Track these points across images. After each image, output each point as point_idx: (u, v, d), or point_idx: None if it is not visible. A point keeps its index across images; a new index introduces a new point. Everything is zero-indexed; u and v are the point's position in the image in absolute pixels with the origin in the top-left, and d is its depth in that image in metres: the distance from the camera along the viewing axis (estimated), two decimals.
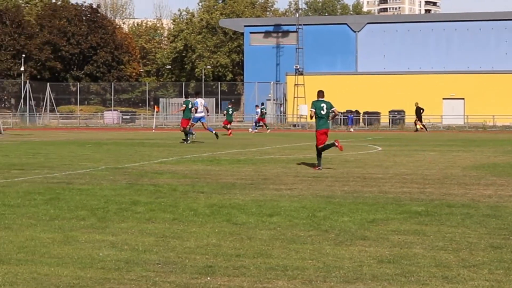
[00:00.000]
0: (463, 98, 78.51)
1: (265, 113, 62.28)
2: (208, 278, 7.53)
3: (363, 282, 7.40)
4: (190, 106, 36.28)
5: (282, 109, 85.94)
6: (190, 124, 36.44)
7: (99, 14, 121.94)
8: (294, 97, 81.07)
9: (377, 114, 74.42)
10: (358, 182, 16.82)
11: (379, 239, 9.61)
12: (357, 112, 74.43)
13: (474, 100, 77.08)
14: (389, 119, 73.16)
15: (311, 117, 22.17)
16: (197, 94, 39.67)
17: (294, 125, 75.38)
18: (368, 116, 73.98)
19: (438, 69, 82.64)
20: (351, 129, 65.16)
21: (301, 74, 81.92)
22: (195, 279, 7.52)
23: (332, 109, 21.73)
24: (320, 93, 21.88)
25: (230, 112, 51.32)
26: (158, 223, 10.82)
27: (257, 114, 60.80)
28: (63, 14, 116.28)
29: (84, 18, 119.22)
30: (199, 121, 37.60)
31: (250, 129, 60.27)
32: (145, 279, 7.48)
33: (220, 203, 12.87)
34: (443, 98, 78.24)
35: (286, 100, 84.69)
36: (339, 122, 73.64)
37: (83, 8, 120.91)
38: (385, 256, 8.56)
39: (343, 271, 7.81)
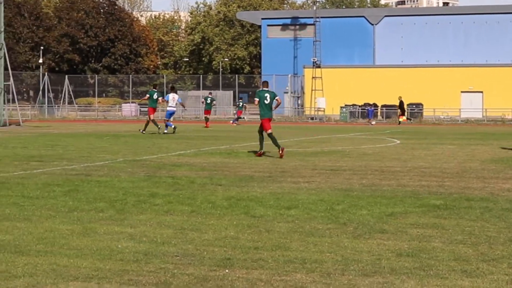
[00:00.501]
0: (481, 91, 78.12)
1: (243, 106, 63.64)
2: (227, 271, 7.54)
3: (382, 275, 7.38)
4: (155, 96, 37.14)
5: (299, 102, 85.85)
6: (165, 119, 37.84)
7: (116, 7, 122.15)
8: (312, 90, 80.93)
9: (395, 107, 74.19)
10: (376, 175, 16.78)
11: (397, 232, 9.59)
12: (375, 105, 74.21)
13: (493, 93, 76.68)
14: (407, 112, 72.87)
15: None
16: (172, 89, 40.36)
17: (312, 118, 75.25)
18: (386, 109, 73.74)
19: (456, 62, 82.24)
20: (373, 122, 64.93)
21: (319, 67, 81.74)
22: (213, 271, 7.52)
23: (275, 98, 23.33)
24: (265, 83, 23.81)
25: (209, 101, 50.75)
26: (176, 215, 10.83)
27: (237, 108, 61.81)
28: (81, 7, 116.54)
29: (102, 10, 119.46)
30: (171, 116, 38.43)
31: (231, 121, 60.68)
32: (163, 271, 7.50)
33: (238, 196, 12.88)
34: (462, 91, 77.87)
35: (303, 93, 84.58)
36: (357, 115, 73.50)
37: (101, 1, 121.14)
38: (403, 249, 8.54)
39: (361, 264, 7.80)
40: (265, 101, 23.04)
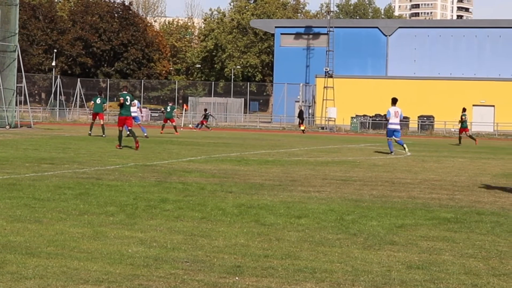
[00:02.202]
0: (493, 105, 78.02)
1: (209, 116, 64.78)
2: (237, 278, 7.53)
3: (392, 287, 7.37)
4: (98, 101, 38.51)
5: (310, 111, 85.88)
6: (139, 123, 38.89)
7: (131, 12, 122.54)
8: (323, 100, 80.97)
9: (406, 119, 74.11)
10: (386, 186, 16.76)
11: (408, 244, 9.57)
12: (404, 118, 74.11)
13: (505, 108, 76.58)
14: (418, 125, 72.80)
15: (120, 105, 28.94)
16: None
17: (322, 128, 75.27)
18: None
19: (469, 75, 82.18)
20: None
21: (331, 76, 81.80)
22: (223, 278, 7.52)
23: (133, 101, 30.07)
24: (124, 88, 29.84)
25: (169, 110, 49.36)
26: (187, 222, 10.84)
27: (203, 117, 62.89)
28: (95, 11, 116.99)
29: (116, 15, 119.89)
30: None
31: (191, 125, 61.96)
32: (173, 277, 7.50)
33: (249, 203, 12.88)
34: (473, 105, 77.78)
35: (315, 102, 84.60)
36: (367, 126, 73.43)
37: (115, 5, 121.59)
38: (414, 261, 8.52)
39: (371, 276, 7.79)
40: (126, 102, 28.80)
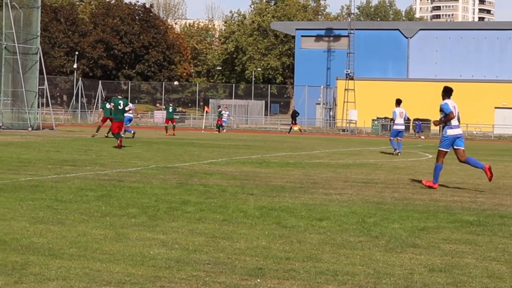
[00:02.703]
0: None
1: (222, 115, 64.12)
2: (258, 280, 7.53)
3: None
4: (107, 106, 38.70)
5: (331, 113, 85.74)
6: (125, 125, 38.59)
7: (151, 14, 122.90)
8: (344, 102, 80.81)
9: (427, 121, 73.82)
10: (408, 189, 16.70)
11: (430, 247, 9.53)
12: (408, 119, 73.79)
13: None
14: (440, 127, 72.39)
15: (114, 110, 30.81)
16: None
17: (343, 130, 75.12)
18: (418, 123, 73.36)
19: (491, 77, 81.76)
20: (422, 137, 64.75)
21: (352, 79, 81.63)
22: (245, 280, 7.52)
23: (128, 106, 31.50)
24: (120, 92, 30.49)
25: (170, 110, 49.20)
26: (208, 223, 10.85)
27: (219, 117, 62.97)
28: (117, 13, 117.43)
29: (137, 17, 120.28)
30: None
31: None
32: (195, 279, 7.51)
33: (270, 206, 12.87)
34: (495, 107, 77.36)
35: (335, 104, 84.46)
36: (388, 128, 73.15)
37: (136, 8, 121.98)
38: (436, 264, 8.49)
39: (393, 278, 7.76)
40: (119, 106, 30.83)
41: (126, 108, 32.41)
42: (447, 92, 18.67)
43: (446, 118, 17.78)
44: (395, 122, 31.25)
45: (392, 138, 31.44)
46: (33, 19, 49.36)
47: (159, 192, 14.31)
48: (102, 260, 8.20)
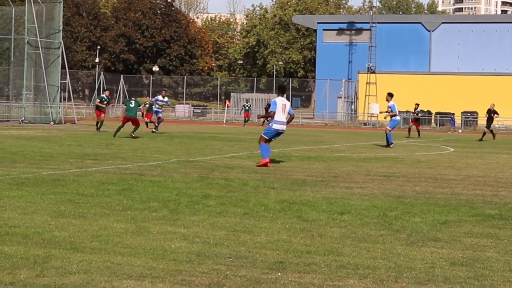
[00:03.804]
0: None
1: (248, 109, 64.42)
2: (279, 274, 7.53)
3: (435, 284, 7.31)
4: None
5: (353, 107, 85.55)
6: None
7: (173, 8, 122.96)
8: (366, 96, 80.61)
9: (449, 114, 73.49)
10: (429, 182, 16.64)
11: (451, 241, 9.49)
12: (429, 112, 73.54)
13: None
14: (462, 120, 72.13)
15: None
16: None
17: (365, 124, 74.93)
18: (440, 117, 73.10)
19: None
20: (459, 130, 64.44)
21: (373, 72, 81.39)
22: (266, 274, 7.52)
23: (140, 105, 35.09)
24: (134, 95, 36.60)
25: (133, 105, 47.14)
26: (229, 217, 10.86)
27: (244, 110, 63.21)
28: (138, 7, 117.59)
29: (158, 11, 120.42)
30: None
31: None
32: (216, 272, 7.52)
33: (291, 199, 12.87)
34: None
35: (357, 98, 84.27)
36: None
37: (158, 2, 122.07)
38: (457, 258, 8.45)
39: (414, 272, 7.74)
40: (130, 105, 34.32)
41: (159, 103, 39.39)
42: (280, 90, 21.24)
43: (267, 114, 21.77)
44: (397, 114, 31.84)
45: (391, 130, 31.37)
46: (55, 14, 49.55)
47: (180, 186, 14.34)
48: (123, 253, 8.22)
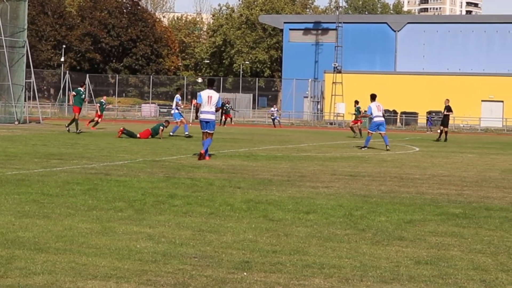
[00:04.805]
0: (502, 101, 77.79)
1: (228, 109, 63.15)
2: (245, 274, 7.53)
3: (400, 282, 7.36)
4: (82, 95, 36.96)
5: (319, 106, 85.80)
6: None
7: (139, 7, 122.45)
8: (332, 95, 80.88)
9: (414, 114, 74.00)
10: (395, 182, 16.74)
11: (416, 240, 9.55)
12: (395, 112, 73.97)
13: None
14: (427, 120, 72.59)
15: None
16: (178, 90, 39.28)
17: (331, 123, 75.18)
18: (405, 116, 73.54)
19: (478, 70, 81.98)
20: (438, 130, 64.49)
21: (340, 72, 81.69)
22: (231, 274, 7.52)
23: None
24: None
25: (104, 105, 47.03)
26: (195, 217, 10.84)
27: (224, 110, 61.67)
28: (104, 6, 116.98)
29: (124, 10, 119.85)
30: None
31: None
32: (182, 272, 7.50)
33: (257, 199, 12.88)
34: (482, 100, 77.59)
35: (323, 98, 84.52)
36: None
37: (124, 1, 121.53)
38: (422, 257, 8.51)
39: (380, 271, 7.78)
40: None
41: (174, 105, 36.07)
42: (208, 83, 23.00)
43: (196, 108, 23.24)
44: (374, 115, 30.75)
45: (372, 132, 30.86)
46: (20, 12, 49.13)
47: (146, 186, 14.30)
48: (88, 254, 8.18)
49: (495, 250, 9.02)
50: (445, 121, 41.73)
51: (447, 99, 42.63)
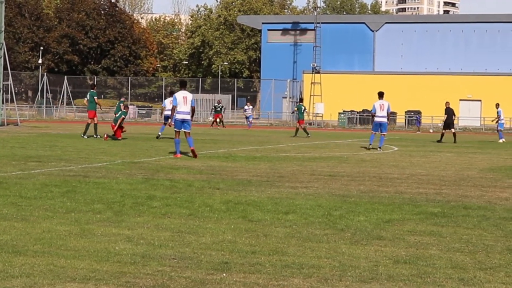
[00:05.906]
0: (480, 100, 78.22)
1: (220, 110, 62.25)
2: (224, 275, 7.53)
3: (379, 282, 7.38)
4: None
5: None
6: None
7: (117, 8, 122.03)
8: (311, 95, 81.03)
9: (393, 114, 74.22)
10: (374, 181, 16.78)
11: (395, 239, 9.59)
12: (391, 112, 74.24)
13: (491, 102, 76.53)
14: (405, 120, 72.94)
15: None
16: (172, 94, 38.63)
17: (310, 124, 75.24)
18: None
19: (456, 70, 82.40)
20: (430, 130, 64.59)
21: (318, 72, 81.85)
22: (210, 275, 7.52)
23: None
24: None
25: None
26: (174, 218, 10.83)
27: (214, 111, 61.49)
28: (82, 8, 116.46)
29: (102, 12, 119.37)
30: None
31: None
32: (161, 274, 7.49)
33: (236, 200, 12.87)
34: (460, 100, 77.95)
35: (302, 98, 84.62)
36: (355, 121, 73.44)
37: (102, 2, 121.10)
38: (401, 256, 8.54)
39: (358, 271, 7.80)
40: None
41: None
42: (181, 84, 23.76)
43: (172, 111, 23.19)
44: (376, 114, 30.18)
45: (374, 132, 30.65)
46: None
47: (124, 188, 14.26)
48: (66, 256, 8.15)
49: (473, 249, 9.06)
50: (450, 123, 40.62)
51: (448, 102, 42.31)
